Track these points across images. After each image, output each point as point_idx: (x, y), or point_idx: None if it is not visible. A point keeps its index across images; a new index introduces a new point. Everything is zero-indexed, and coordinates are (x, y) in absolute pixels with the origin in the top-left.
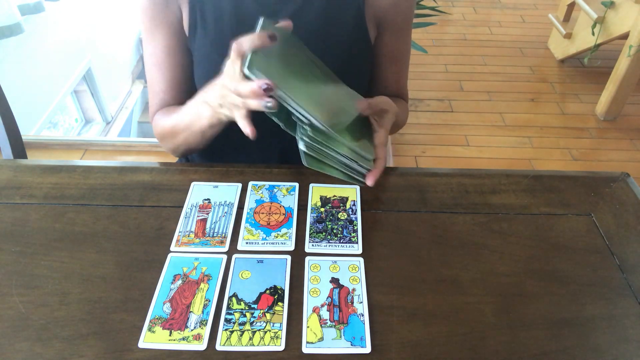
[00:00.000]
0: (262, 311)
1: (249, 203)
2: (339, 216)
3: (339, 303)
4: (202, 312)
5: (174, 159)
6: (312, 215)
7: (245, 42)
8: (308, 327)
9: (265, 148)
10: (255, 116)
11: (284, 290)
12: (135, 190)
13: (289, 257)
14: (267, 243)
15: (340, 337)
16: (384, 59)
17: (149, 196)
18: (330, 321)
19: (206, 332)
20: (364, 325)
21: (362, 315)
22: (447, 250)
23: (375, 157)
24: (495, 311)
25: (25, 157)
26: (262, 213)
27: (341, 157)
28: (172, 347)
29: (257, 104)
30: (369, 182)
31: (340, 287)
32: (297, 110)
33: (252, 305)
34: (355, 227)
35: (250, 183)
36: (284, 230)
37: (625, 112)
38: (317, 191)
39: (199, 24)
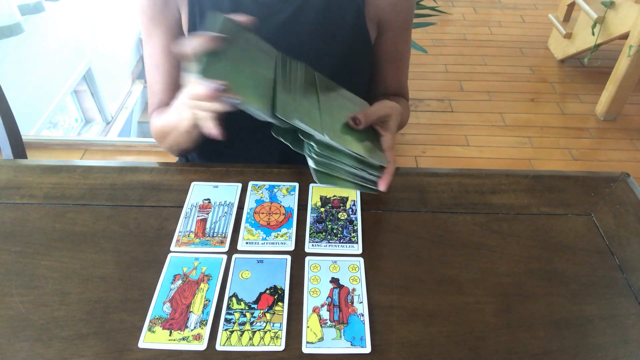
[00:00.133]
0: (262, 311)
1: (249, 203)
2: (339, 216)
3: (339, 303)
4: (202, 312)
5: (174, 159)
6: (312, 215)
7: (192, 45)
8: (308, 327)
9: (265, 148)
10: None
11: (284, 290)
12: (135, 190)
13: (289, 257)
14: (267, 243)
15: (340, 337)
16: (384, 58)
17: (149, 196)
18: (330, 321)
19: (206, 332)
20: (364, 325)
21: (362, 315)
22: (447, 250)
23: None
24: (495, 311)
25: (25, 157)
26: (262, 213)
27: (351, 169)
28: (172, 347)
29: (211, 106)
30: (382, 187)
31: (340, 287)
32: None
33: (252, 305)
34: (355, 227)
35: (250, 183)
36: (284, 230)
37: (625, 112)
38: (317, 191)
39: (198, 25)
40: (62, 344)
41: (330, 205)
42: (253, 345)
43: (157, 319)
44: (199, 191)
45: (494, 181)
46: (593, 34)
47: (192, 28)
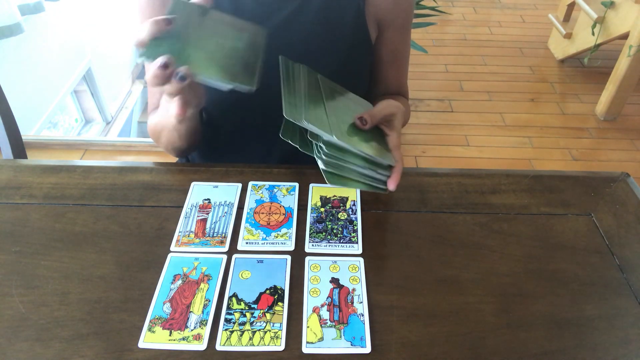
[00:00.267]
0: (262, 311)
1: (249, 203)
2: (339, 216)
3: (339, 303)
4: (202, 312)
5: (174, 159)
6: (312, 215)
7: (140, 33)
8: (308, 327)
9: (265, 148)
10: (256, 117)
11: (284, 290)
12: (135, 190)
13: (289, 257)
14: (267, 243)
15: (340, 337)
16: (384, 58)
17: (149, 196)
18: (330, 321)
19: (206, 332)
20: (364, 325)
21: (362, 315)
22: (447, 250)
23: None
24: (495, 311)
25: (25, 157)
26: (262, 213)
27: (360, 169)
28: (172, 347)
29: (171, 88)
30: (392, 187)
31: (340, 287)
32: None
33: (252, 305)
34: (355, 227)
35: (250, 183)
36: (284, 230)
37: (625, 112)
38: (317, 191)
39: None
40: (62, 344)
41: (330, 205)
42: (253, 345)
43: (157, 319)
44: (199, 191)
45: (494, 181)
46: (593, 34)
47: None
